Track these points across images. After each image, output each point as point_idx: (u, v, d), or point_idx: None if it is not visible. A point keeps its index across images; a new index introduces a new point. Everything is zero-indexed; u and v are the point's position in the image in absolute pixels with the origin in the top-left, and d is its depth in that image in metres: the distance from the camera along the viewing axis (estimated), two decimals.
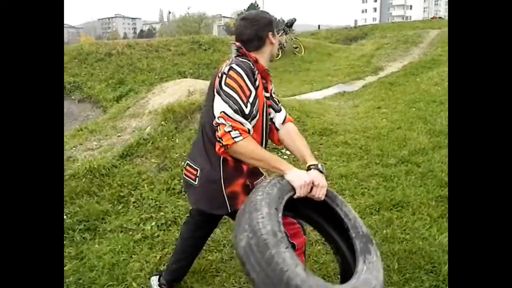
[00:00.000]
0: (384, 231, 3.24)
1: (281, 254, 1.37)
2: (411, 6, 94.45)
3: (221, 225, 3.33)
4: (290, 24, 15.45)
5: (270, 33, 2.01)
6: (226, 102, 1.78)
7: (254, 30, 1.97)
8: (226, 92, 1.80)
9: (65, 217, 3.53)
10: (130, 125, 5.86)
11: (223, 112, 1.77)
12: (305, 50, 15.24)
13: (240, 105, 1.78)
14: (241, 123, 1.78)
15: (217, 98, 1.83)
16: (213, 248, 3.13)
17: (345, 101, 8.72)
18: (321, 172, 1.88)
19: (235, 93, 1.79)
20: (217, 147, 1.81)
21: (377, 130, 5.87)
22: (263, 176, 2.07)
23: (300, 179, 1.77)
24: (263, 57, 2.01)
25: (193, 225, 2.43)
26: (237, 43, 1.99)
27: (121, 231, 3.38)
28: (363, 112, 7.43)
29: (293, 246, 1.95)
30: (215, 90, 1.86)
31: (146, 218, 3.57)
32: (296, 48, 15.18)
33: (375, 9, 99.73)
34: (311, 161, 1.96)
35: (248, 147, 1.78)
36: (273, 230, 1.44)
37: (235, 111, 1.77)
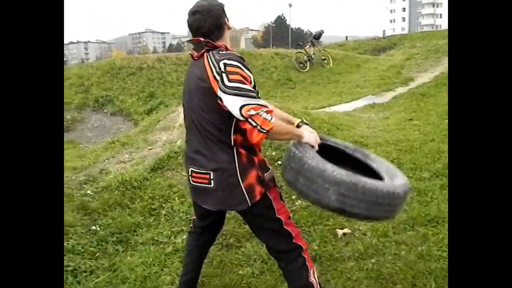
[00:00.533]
0: (420, 248, 3.15)
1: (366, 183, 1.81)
2: (440, 14, 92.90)
3: (251, 239, 3.32)
4: (318, 36, 15.44)
5: (226, 18, 2.07)
6: (241, 95, 1.82)
7: (212, 20, 2.01)
8: (235, 87, 1.83)
9: (98, 228, 3.58)
10: (161, 138, 5.95)
11: (247, 104, 1.81)
12: (333, 62, 15.17)
13: (253, 91, 1.87)
14: (266, 106, 1.86)
15: (227, 97, 1.85)
16: (243, 262, 3.11)
17: (375, 113, 8.61)
18: (307, 124, 2.20)
19: (243, 84, 1.85)
20: (257, 136, 1.83)
21: (409, 143, 5.76)
22: (270, 170, 2.13)
23: (312, 137, 2.06)
24: (228, 43, 2.08)
25: (197, 233, 2.45)
26: (202, 39, 2.02)
27: (153, 244, 3.40)
28: (394, 124, 7.31)
29: (300, 247, 2.08)
30: (219, 90, 1.88)
31: (177, 231, 3.59)
32: (324, 60, 15.13)
33: (403, 19, 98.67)
34: (296, 119, 2.21)
35: (281, 124, 1.94)
36: (347, 173, 1.81)
37: (255, 98, 1.85)
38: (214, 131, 1.98)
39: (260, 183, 1.99)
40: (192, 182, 2.14)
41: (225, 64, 1.87)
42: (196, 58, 2.06)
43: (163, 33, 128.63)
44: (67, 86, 11.99)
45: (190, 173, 2.14)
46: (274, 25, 68.18)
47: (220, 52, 1.97)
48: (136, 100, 10.42)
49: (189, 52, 2.11)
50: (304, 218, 3.68)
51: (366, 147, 5.48)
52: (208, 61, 1.96)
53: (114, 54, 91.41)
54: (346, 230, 3.46)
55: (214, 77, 1.90)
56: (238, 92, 1.82)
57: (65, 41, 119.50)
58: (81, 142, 9.02)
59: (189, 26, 2.05)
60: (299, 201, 3.99)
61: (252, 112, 1.80)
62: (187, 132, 2.19)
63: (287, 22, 67.20)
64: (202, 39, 2.01)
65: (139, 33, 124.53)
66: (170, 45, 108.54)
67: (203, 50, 2.01)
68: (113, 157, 5.93)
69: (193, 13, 2.01)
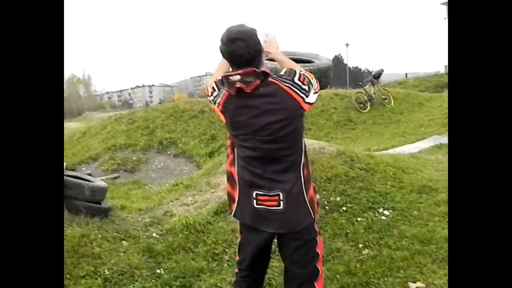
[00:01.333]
0: None
1: None
2: None
3: None
4: (377, 76, 15.25)
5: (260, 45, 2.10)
6: (309, 84, 2.08)
7: (254, 46, 2.01)
8: (304, 82, 2.05)
9: (162, 272, 3.61)
10: (223, 182, 5.99)
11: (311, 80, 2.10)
12: (395, 101, 14.77)
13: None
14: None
15: (313, 97, 2.10)
16: None
17: (443, 155, 8.21)
18: None
19: (313, 79, 2.13)
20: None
21: None
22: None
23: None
24: (266, 67, 2.14)
25: (244, 281, 2.37)
26: (256, 69, 2.01)
27: None
28: None
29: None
30: (305, 103, 2.06)
31: None
32: (385, 99, 14.79)
33: None
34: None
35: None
36: None
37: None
38: (287, 157, 2.06)
39: (316, 197, 2.22)
40: (256, 206, 2.12)
41: (300, 81, 2.03)
42: (251, 91, 1.98)
43: None
44: (134, 128, 12.61)
45: (254, 197, 2.12)
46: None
47: (279, 75, 2.06)
48: (198, 142, 10.72)
49: (237, 86, 1.97)
50: (372, 269, 3.49)
51: (436, 192, 5.20)
52: (284, 85, 2.00)
53: (176, 97, 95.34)
54: (419, 284, 3.23)
55: (301, 97, 2.02)
56: (307, 82, 2.06)
57: (132, 85, 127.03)
58: (146, 183, 9.32)
59: (229, 54, 2.03)
60: (367, 249, 3.80)
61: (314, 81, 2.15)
62: (248, 160, 2.14)
63: (344, 62, 67.29)
64: (256, 69, 2.00)
65: (199, 76, 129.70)
66: None
67: (259, 81, 1.98)
68: (177, 199, 6.05)
69: (233, 40, 1.98)
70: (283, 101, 1.98)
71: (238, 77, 1.97)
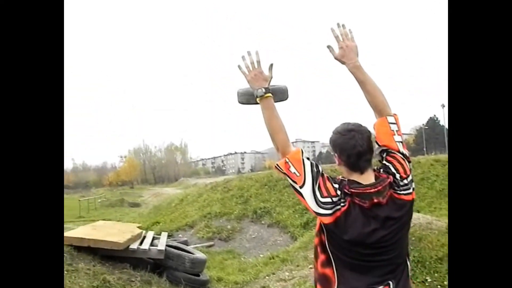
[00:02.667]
0: None
1: None
2: None
3: None
4: None
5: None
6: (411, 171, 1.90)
7: (369, 140, 1.82)
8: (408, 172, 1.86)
9: None
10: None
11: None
12: None
13: None
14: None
15: (411, 190, 1.87)
16: None
17: None
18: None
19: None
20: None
21: None
22: None
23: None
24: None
25: None
26: (386, 176, 1.82)
27: None
28: None
29: None
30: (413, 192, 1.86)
31: None
32: None
33: None
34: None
35: None
36: None
37: None
38: (397, 261, 1.86)
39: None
40: None
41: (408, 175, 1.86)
42: (385, 203, 1.77)
43: (313, 142, 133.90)
44: (228, 197, 12.88)
45: None
46: (426, 127, 65.66)
47: (400, 181, 1.84)
48: (292, 213, 10.57)
49: (375, 201, 1.74)
50: None
51: None
52: (403, 193, 1.82)
53: (267, 164, 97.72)
54: None
55: (412, 193, 1.85)
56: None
57: (225, 152, 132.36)
58: (240, 253, 9.28)
59: (342, 145, 1.83)
60: None
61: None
62: (353, 267, 1.88)
63: (441, 123, 64.22)
64: (385, 175, 1.81)
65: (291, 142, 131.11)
66: (320, 153, 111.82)
67: (392, 190, 1.79)
68: (274, 273, 5.89)
69: (349, 130, 1.83)
70: (404, 208, 1.82)
71: (374, 188, 1.75)
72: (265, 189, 12.48)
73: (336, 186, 1.81)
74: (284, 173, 1.88)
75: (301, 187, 1.82)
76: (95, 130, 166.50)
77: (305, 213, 10.32)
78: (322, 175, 1.84)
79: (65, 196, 49.94)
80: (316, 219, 1.90)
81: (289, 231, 9.79)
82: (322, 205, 1.78)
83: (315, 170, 1.84)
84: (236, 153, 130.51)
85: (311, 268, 5.52)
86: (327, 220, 1.78)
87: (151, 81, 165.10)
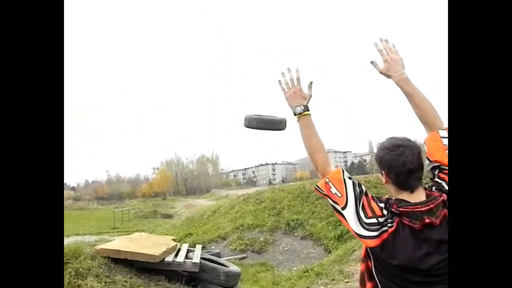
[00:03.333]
0: None
1: None
2: None
3: None
4: None
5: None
6: None
7: (419, 157, 1.66)
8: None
9: None
10: (357, 271, 5.62)
11: None
12: None
13: None
14: None
15: None
16: None
17: None
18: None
19: None
20: None
21: None
22: None
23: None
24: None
25: None
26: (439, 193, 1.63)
27: None
28: None
29: None
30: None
31: None
32: None
33: None
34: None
35: None
36: None
37: None
38: None
39: None
40: None
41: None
42: (438, 223, 1.59)
43: (344, 152, 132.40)
44: (261, 209, 12.84)
45: None
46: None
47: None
48: (326, 225, 10.42)
49: (426, 221, 1.57)
50: None
51: None
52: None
53: (298, 174, 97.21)
54: None
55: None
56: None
57: (256, 164, 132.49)
58: (273, 265, 9.21)
59: (390, 161, 1.67)
60: None
61: None
62: None
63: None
64: (437, 193, 1.63)
65: None
66: (352, 163, 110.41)
67: (446, 209, 1.60)
68: (308, 287, 5.80)
69: (397, 146, 1.67)
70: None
71: (425, 207, 1.59)
72: (298, 200, 12.38)
73: (382, 205, 1.66)
74: (325, 194, 1.77)
75: (343, 209, 1.69)
76: (95, 130, 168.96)
77: (339, 225, 10.15)
78: (366, 194, 1.71)
79: (100, 207, 51.25)
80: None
81: (323, 244, 9.65)
82: (367, 226, 1.64)
83: (358, 189, 1.71)
84: (267, 164, 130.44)
85: (346, 282, 5.41)
86: (372, 243, 1.62)
87: (151, 81, 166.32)
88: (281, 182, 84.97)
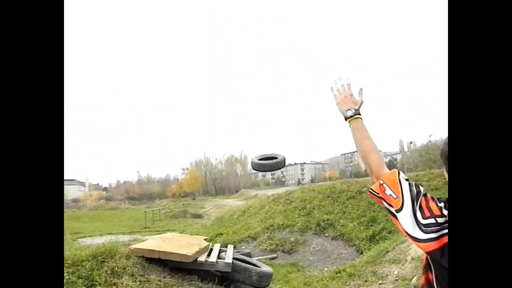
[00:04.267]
0: None
1: None
2: None
3: None
4: None
5: None
6: None
7: None
8: None
9: None
10: (391, 272, 5.51)
11: None
12: None
13: None
14: None
15: None
16: None
17: None
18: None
19: None
20: None
21: None
22: None
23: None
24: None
25: None
26: None
27: None
28: None
29: None
30: None
31: None
32: None
33: None
34: None
35: None
36: None
37: None
38: None
39: None
40: None
41: None
42: None
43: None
44: (291, 209, 12.78)
45: None
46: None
47: None
48: (357, 225, 10.26)
49: None
50: None
51: None
52: None
53: (327, 174, 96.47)
54: None
55: None
56: None
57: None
58: (304, 266, 9.14)
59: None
60: None
61: None
62: None
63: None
64: None
65: (351, 152, 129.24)
66: None
67: None
68: None
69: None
70: None
71: None
72: (328, 200, 12.26)
73: (442, 205, 1.55)
74: (380, 197, 1.69)
75: (398, 211, 1.59)
76: (95, 130, 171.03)
77: (371, 225, 10.00)
78: (425, 195, 1.60)
79: (131, 207, 52.17)
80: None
81: (354, 244, 9.51)
82: (424, 228, 1.51)
83: (415, 190, 1.62)
84: (295, 164, 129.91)
85: (380, 284, 5.31)
86: (430, 246, 1.49)
87: (151, 81, 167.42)
88: (310, 182, 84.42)
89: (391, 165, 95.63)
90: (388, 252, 6.38)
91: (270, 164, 5.02)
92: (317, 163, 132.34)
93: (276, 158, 5.47)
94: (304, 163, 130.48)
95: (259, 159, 4.65)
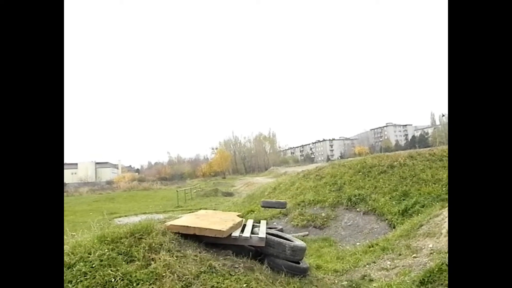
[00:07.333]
0: None
1: None
2: None
3: None
4: None
5: None
6: None
7: None
8: None
9: None
10: (426, 246, 5.47)
11: None
12: None
13: None
14: None
15: None
16: None
17: None
18: None
19: None
20: None
21: None
22: None
23: None
24: None
25: None
26: None
27: None
28: None
29: None
30: None
31: None
32: None
33: None
34: None
35: None
36: None
37: None
38: None
39: None
40: None
41: None
42: None
43: (405, 125, 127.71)
44: (321, 184, 12.77)
45: None
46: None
47: None
48: (389, 199, 10.16)
49: None
50: None
51: None
52: None
53: (356, 150, 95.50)
54: None
55: None
56: None
57: (313, 140, 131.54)
58: (336, 241, 9.17)
59: None
60: None
61: None
62: None
63: None
64: None
65: (380, 127, 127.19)
66: (413, 136, 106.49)
67: None
68: (374, 262, 5.73)
69: None
70: None
71: None
72: (359, 175, 12.17)
73: None
74: None
75: None
76: (95, 130, 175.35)
77: (403, 199, 9.90)
78: None
79: (163, 187, 53.29)
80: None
81: (386, 219, 9.44)
82: None
83: None
84: (324, 140, 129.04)
85: (414, 257, 5.28)
86: None
87: (151, 81, 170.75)
88: (339, 158, 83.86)
89: (422, 139, 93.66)
90: (422, 225, 6.31)
91: (277, 204, 5.09)
92: (346, 138, 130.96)
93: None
94: (333, 139, 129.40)
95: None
